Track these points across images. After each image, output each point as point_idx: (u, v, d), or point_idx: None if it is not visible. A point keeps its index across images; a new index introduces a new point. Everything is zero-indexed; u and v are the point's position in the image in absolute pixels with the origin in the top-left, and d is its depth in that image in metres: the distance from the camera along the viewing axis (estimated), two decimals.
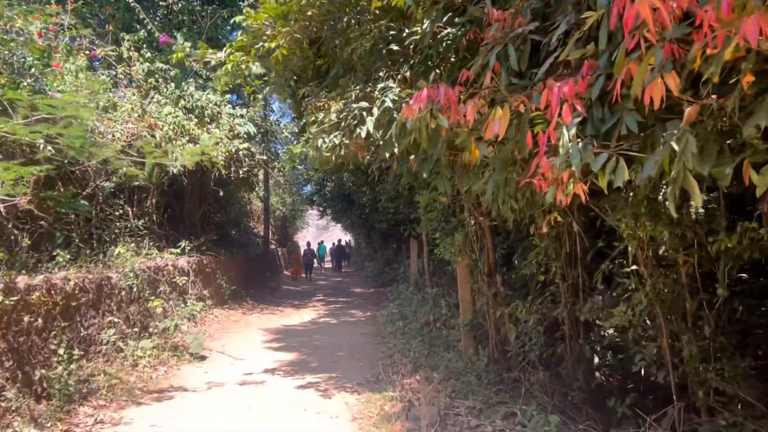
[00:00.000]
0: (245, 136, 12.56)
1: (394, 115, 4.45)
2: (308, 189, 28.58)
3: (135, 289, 8.40)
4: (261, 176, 23.36)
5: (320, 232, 55.12)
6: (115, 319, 7.45)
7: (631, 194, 3.74)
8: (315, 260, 29.02)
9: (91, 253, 8.25)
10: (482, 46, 3.50)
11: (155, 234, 12.55)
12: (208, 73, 12.92)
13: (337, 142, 4.93)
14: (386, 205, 16.16)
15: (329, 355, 8.91)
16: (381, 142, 4.85)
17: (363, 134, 4.72)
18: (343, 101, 4.94)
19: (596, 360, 6.19)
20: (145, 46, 11.88)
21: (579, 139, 2.66)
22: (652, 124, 2.66)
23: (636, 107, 2.61)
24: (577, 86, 2.67)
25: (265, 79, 8.18)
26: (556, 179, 2.84)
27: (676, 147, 2.41)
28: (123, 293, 7.98)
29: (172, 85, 11.69)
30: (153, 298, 8.55)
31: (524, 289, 7.39)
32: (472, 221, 7.44)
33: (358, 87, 5.00)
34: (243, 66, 5.49)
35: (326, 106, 5.03)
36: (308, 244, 28.99)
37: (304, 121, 5.98)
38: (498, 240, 7.79)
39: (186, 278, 11.01)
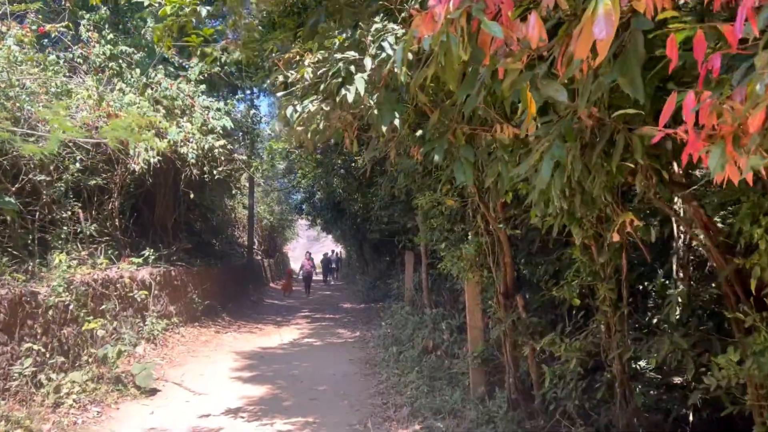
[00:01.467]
0: (221, 131, 11.08)
1: (396, 70, 3.02)
2: (297, 197, 27.09)
3: (72, 307, 6.86)
4: (244, 181, 21.91)
5: (311, 243, 53.56)
6: (36, 347, 5.90)
7: None
8: (314, 273, 25.26)
9: (11, 262, 6.68)
10: None
11: (117, 241, 11.04)
12: (180, 61, 11.48)
13: (312, 109, 3.47)
14: (379, 213, 14.69)
15: (308, 390, 7.37)
16: (375, 111, 3.40)
17: (350, 97, 3.27)
18: (322, 52, 3.49)
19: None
20: (107, 26, 10.43)
21: None
22: None
23: None
24: None
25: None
26: (731, 129, 1.41)
27: None
28: (52, 312, 6.43)
29: (138, 70, 10.22)
30: (91, 318, 7.00)
31: (552, 316, 5.96)
32: (486, 229, 6.00)
33: (344, 34, 3.55)
34: (188, 9, 4.05)
35: (299, 59, 3.58)
36: (307, 255, 25.76)
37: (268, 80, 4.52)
38: (516, 253, 6.35)
39: (146, 293, 9.47)
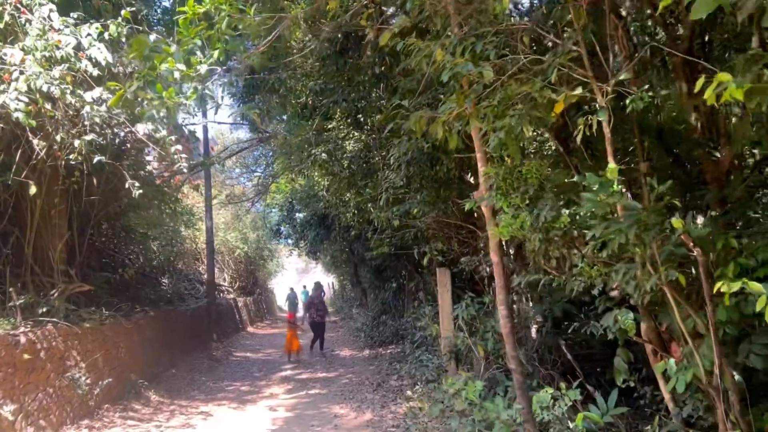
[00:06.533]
0: (92, 69, 5.95)
1: None
2: (273, 214, 21.98)
3: None
4: (198, 197, 16.79)
5: (300, 276, 48.47)
6: None
7: None
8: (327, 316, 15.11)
9: None
10: None
11: None
12: None
13: None
14: (384, 215, 9.26)
15: None
16: None
17: None
18: None
19: None
20: None
21: None
22: None
23: None
24: None
25: None
26: None
27: None
28: None
29: None
30: None
31: None
32: None
33: None
34: None
35: None
36: (317, 286, 16.02)
37: None
38: None
39: None
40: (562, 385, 4.05)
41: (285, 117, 12.88)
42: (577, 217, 3.69)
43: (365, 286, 20.90)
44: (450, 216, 8.27)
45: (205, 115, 15.41)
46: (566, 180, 3.86)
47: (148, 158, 11.47)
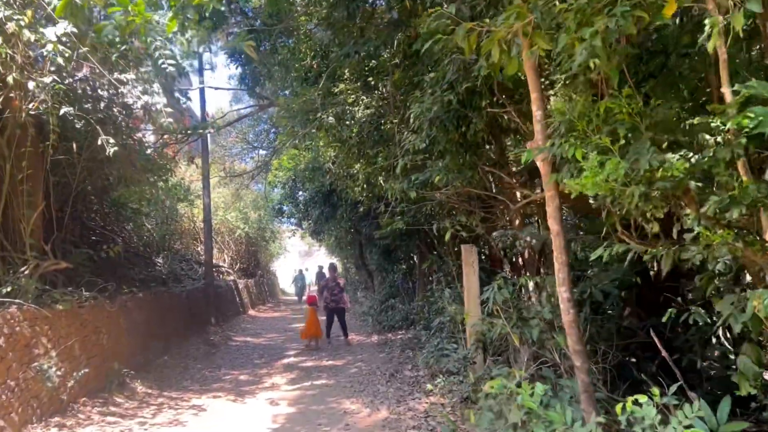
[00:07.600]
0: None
1: None
2: (276, 192, 20.95)
3: None
4: (195, 175, 15.81)
5: (303, 259, 47.74)
6: None
7: None
8: (344, 297, 12.82)
9: None
10: None
11: None
12: None
13: None
14: (398, 187, 8.10)
15: None
16: None
17: None
18: None
19: None
20: None
21: None
22: None
23: None
24: None
25: None
26: None
27: None
28: None
29: None
30: None
31: None
32: None
33: None
34: None
35: None
36: (331, 268, 13.85)
37: None
38: None
39: None
40: (655, 390, 3.03)
41: (288, 91, 11.83)
42: (689, 163, 2.65)
43: (372, 269, 19.94)
44: (476, 186, 7.22)
45: (201, 73, 14.34)
46: (672, 112, 2.80)
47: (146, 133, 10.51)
